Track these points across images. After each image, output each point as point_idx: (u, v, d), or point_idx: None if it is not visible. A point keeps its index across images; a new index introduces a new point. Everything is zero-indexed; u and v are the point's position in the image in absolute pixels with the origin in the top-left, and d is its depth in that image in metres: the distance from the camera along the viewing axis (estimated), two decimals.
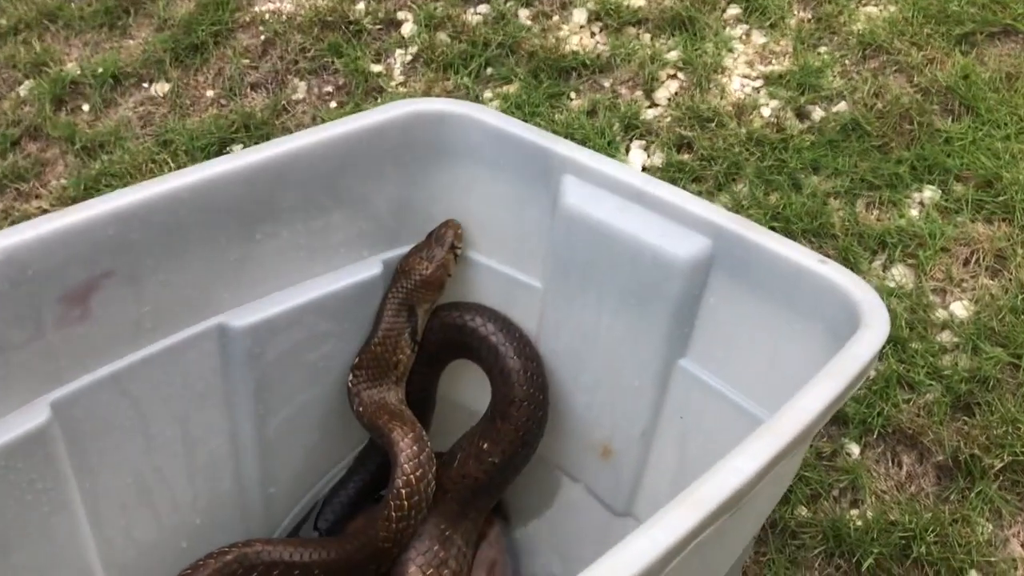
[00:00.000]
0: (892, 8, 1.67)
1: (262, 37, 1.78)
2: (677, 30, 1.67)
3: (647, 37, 1.68)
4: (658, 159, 1.49)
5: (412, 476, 0.90)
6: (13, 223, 1.48)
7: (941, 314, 1.33)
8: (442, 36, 1.70)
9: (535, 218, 0.94)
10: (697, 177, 1.46)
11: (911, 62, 1.55)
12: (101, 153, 1.65)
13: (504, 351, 0.97)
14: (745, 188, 1.44)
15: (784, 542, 1.18)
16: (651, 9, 1.70)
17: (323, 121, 1.64)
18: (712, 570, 0.78)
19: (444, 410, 1.06)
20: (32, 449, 0.73)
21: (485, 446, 0.96)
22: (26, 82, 1.78)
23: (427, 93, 1.63)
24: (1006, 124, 1.48)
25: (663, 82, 1.60)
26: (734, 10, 1.70)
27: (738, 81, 1.59)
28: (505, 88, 1.62)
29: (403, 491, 0.90)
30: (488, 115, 0.92)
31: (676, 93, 1.59)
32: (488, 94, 1.62)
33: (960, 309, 1.33)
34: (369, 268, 0.96)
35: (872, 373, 1.24)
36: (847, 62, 1.59)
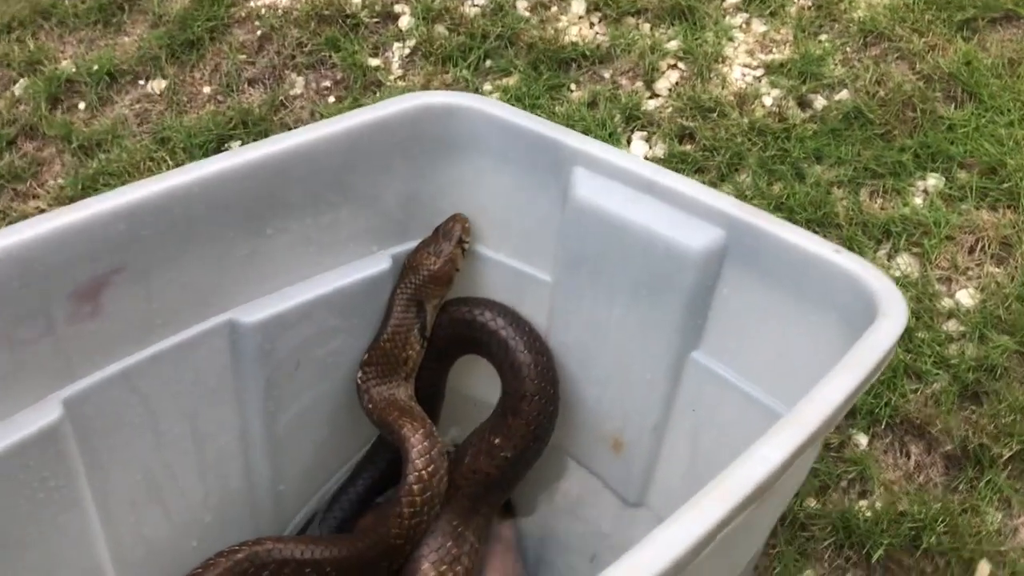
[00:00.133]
0: None
1: (258, 32, 1.76)
2: (677, 19, 1.66)
3: (647, 27, 1.67)
4: (660, 150, 1.48)
5: (424, 472, 0.89)
6: (11, 224, 1.47)
7: (947, 303, 1.32)
8: (440, 29, 1.69)
9: (544, 211, 0.94)
10: (700, 168, 1.45)
11: (913, 49, 1.55)
12: (98, 152, 1.63)
13: (514, 345, 0.96)
14: (748, 178, 1.44)
15: (793, 534, 1.18)
16: None
17: (322, 116, 1.64)
18: (734, 562, 0.77)
19: (452, 401, 1.06)
20: (44, 446, 0.72)
21: (497, 441, 0.95)
22: (21, 80, 1.76)
23: (426, 86, 1.62)
24: (1009, 110, 1.47)
25: (663, 72, 1.59)
26: None
27: (739, 70, 1.58)
28: (505, 80, 1.61)
29: (415, 487, 0.89)
30: (497, 107, 0.91)
31: (677, 83, 1.58)
32: (488, 87, 1.61)
33: (966, 298, 1.32)
34: (378, 263, 0.95)
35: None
36: (848, 50, 1.59)
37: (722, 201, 0.84)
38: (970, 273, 1.35)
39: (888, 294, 0.76)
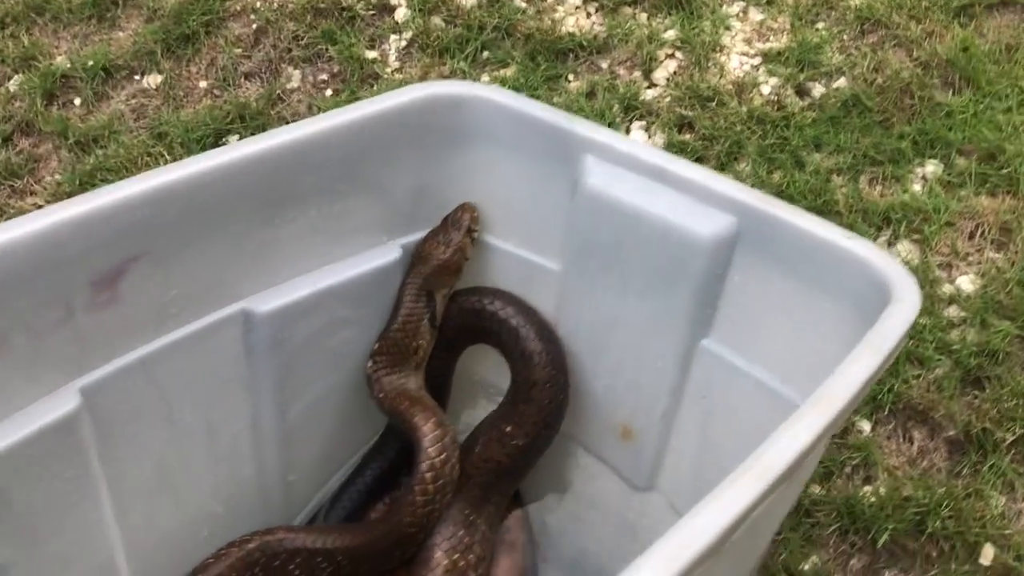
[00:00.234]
0: None
1: (254, 26, 1.75)
2: (673, 9, 1.66)
3: (643, 16, 1.67)
4: (659, 140, 1.49)
5: (437, 460, 0.90)
6: (7, 220, 1.46)
7: (948, 289, 1.33)
8: (436, 20, 1.69)
9: (554, 200, 0.94)
10: (699, 157, 1.46)
11: (910, 36, 1.55)
12: (95, 147, 1.62)
13: (524, 334, 0.96)
14: (748, 167, 1.44)
15: (798, 520, 1.18)
16: None
17: (320, 110, 1.64)
18: (757, 544, 0.78)
19: (460, 386, 1.06)
20: (62, 436, 0.72)
21: (508, 429, 0.95)
22: (15, 77, 1.75)
23: (423, 79, 1.62)
24: (1007, 96, 1.48)
25: (661, 62, 1.59)
26: None
27: (736, 59, 1.59)
28: (502, 72, 1.61)
29: (428, 475, 0.89)
30: (506, 96, 0.91)
31: (675, 73, 1.58)
32: (485, 78, 1.61)
33: (967, 283, 1.33)
34: (388, 253, 0.95)
35: None
36: (845, 37, 1.59)
37: (733, 188, 0.84)
38: (970, 259, 1.36)
39: (901, 279, 0.77)
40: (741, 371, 0.89)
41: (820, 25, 1.62)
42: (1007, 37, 1.54)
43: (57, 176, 1.61)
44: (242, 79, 1.70)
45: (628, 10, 1.68)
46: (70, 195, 1.56)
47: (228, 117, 1.62)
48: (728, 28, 1.62)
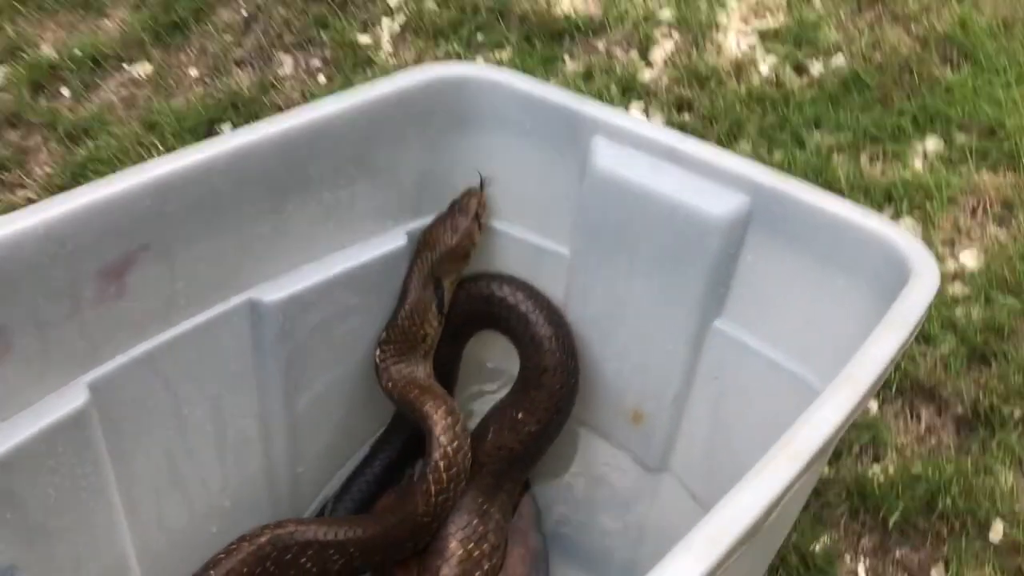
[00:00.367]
0: None
1: (244, 12, 1.73)
2: None
3: None
4: (658, 120, 1.48)
5: (449, 448, 0.88)
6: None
7: (951, 265, 1.33)
8: (429, 4, 1.67)
9: (562, 182, 0.92)
10: (700, 137, 1.44)
11: (908, 12, 1.55)
12: (86, 139, 1.60)
13: (534, 319, 0.95)
14: (748, 147, 1.43)
15: (808, 501, 1.18)
16: None
17: (313, 96, 1.62)
18: (783, 528, 0.77)
19: (466, 371, 1.05)
20: (71, 432, 0.71)
21: (520, 416, 0.94)
22: (1, 68, 1.72)
23: (418, 62, 1.60)
24: (1005, 71, 1.48)
25: (658, 42, 1.58)
26: None
27: (734, 38, 1.58)
28: (498, 54, 1.59)
29: (441, 463, 0.88)
30: (514, 78, 0.90)
31: (672, 53, 1.57)
32: (481, 61, 1.59)
33: (970, 259, 1.33)
34: (394, 240, 0.94)
35: None
36: (842, 14, 1.58)
37: (746, 167, 0.83)
38: (972, 235, 1.35)
39: (918, 254, 0.76)
40: (754, 351, 0.88)
41: (817, 2, 1.61)
42: (1004, 12, 1.54)
43: (48, 168, 1.58)
44: (233, 67, 1.68)
45: None
46: (62, 188, 1.54)
47: (220, 105, 1.59)
48: (724, 7, 1.60)
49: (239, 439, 0.91)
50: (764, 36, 1.56)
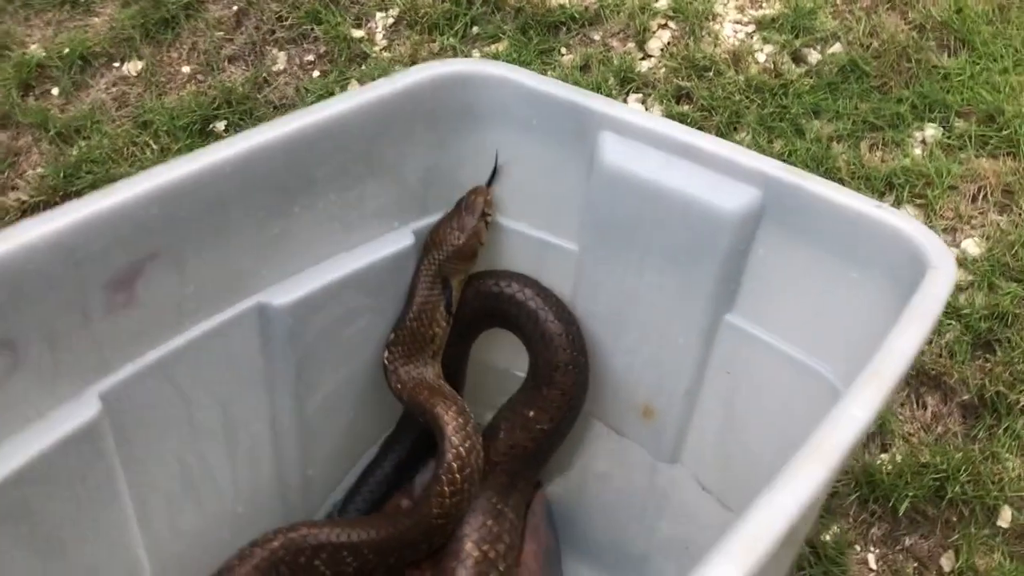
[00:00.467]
0: None
1: (234, 7, 1.71)
2: None
3: None
4: (657, 112, 1.47)
5: (461, 448, 0.88)
6: None
7: (954, 252, 1.33)
8: None
9: (569, 178, 0.92)
10: (699, 128, 1.43)
11: None
12: (78, 138, 1.58)
13: (544, 316, 0.95)
14: (748, 137, 1.43)
15: None
16: None
17: (307, 92, 1.60)
18: (810, 520, 0.77)
19: (470, 370, 1.04)
20: (84, 443, 0.70)
21: (532, 414, 0.94)
22: None
23: (413, 56, 1.59)
24: (1002, 56, 1.48)
25: (655, 32, 1.57)
26: None
27: (730, 27, 1.57)
28: (493, 47, 1.58)
29: (454, 464, 0.87)
30: (521, 74, 0.89)
31: (669, 43, 1.56)
32: (476, 54, 1.58)
33: (972, 246, 1.33)
34: (401, 239, 0.93)
35: None
36: (839, 2, 1.58)
37: (758, 161, 0.83)
38: (974, 222, 1.35)
39: (934, 247, 0.75)
40: (767, 345, 0.88)
41: None
42: None
43: (40, 169, 1.56)
44: (226, 63, 1.66)
45: None
46: (55, 189, 1.52)
47: (214, 103, 1.58)
48: None
49: (250, 443, 0.90)
50: (760, 24, 1.56)
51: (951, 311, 1.27)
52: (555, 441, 0.97)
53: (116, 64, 1.69)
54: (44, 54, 1.69)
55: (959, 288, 1.29)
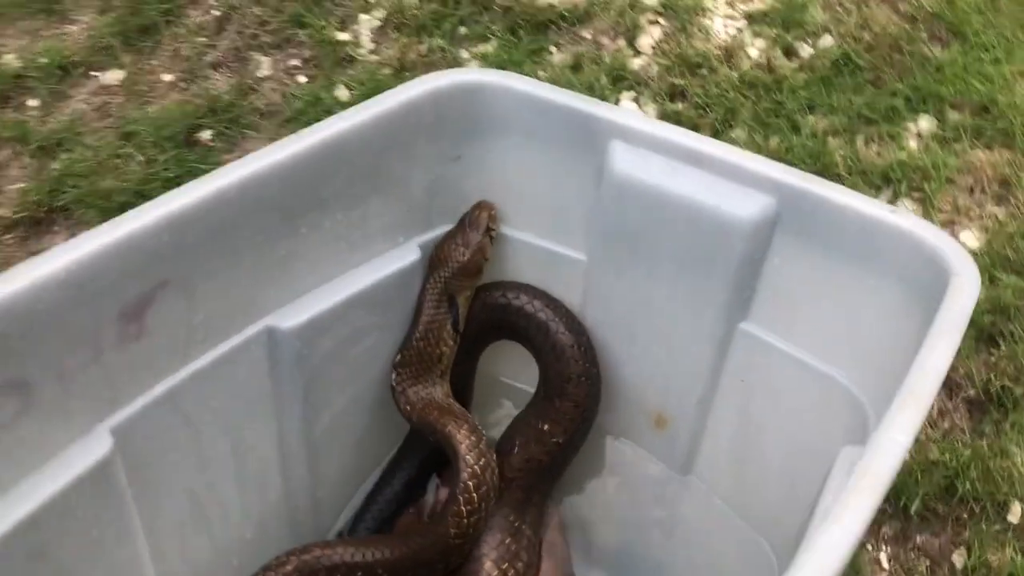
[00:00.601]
0: None
1: (216, 12, 1.68)
2: None
3: None
4: (651, 111, 1.45)
5: (476, 467, 0.86)
6: None
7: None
8: None
9: (577, 187, 0.90)
10: (694, 126, 1.43)
11: None
12: (59, 151, 1.54)
13: (554, 327, 0.93)
14: (744, 134, 1.42)
15: None
16: None
17: (295, 97, 1.57)
18: None
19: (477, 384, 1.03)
20: (97, 481, 0.68)
21: (546, 427, 0.92)
22: None
23: (401, 59, 1.56)
24: (994, 47, 1.47)
25: (645, 29, 1.55)
26: None
27: (721, 22, 1.56)
28: (482, 47, 1.56)
29: (470, 483, 0.86)
30: (525, 83, 0.87)
31: (660, 39, 1.54)
32: (465, 54, 1.56)
33: (971, 239, 1.33)
34: (406, 254, 0.91)
35: None
36: None
37: (771, 168, 0.82)
38: (972, 214, 1.35)
39: (953, 251, 0.74)
40: (782, 352, 0.87)
41: None
42: None
43: (21, 184, 1.53)
44: (209, 70, 1.63)
45: None
46: (38, 204, 1.48)
47: (199, 111, 1.55)
48: None
49: (259, 467, 0.88)
50: (751, 19, 1.55)
51: None
52: (569, 454, 0.95)
53: (96, 73, 1.65)
54: (20, 64, 1.66)
55: None
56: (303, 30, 1.62)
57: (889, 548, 1.14)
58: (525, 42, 1.54)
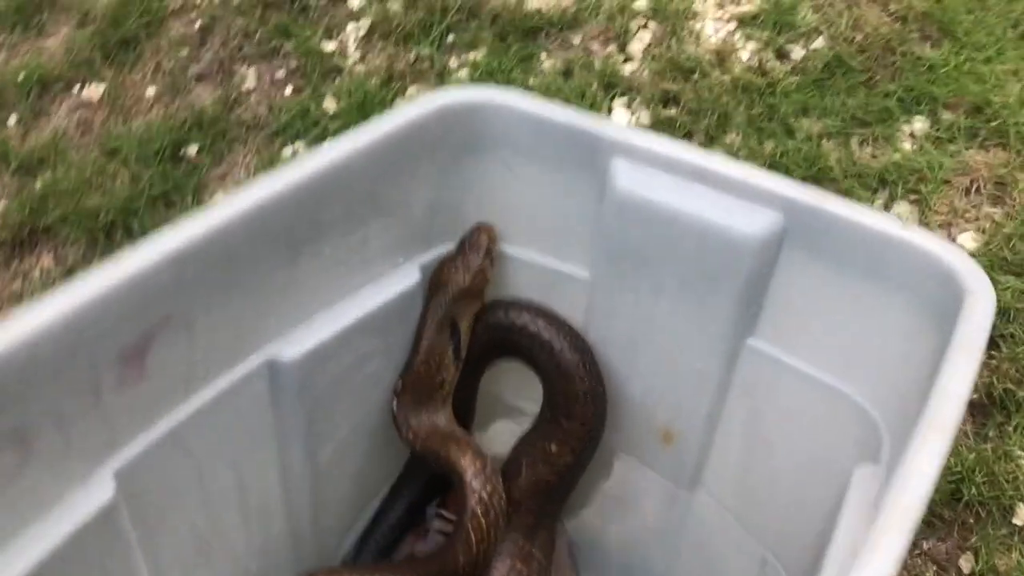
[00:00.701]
0: None
1: (198, 24, 1.65)
2: None
3: None
4: (645, 117, 1.44)
5: (483, 493, 0.85)
6: None
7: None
8: (394, 5, 1.61)
9: (579, 205, 0.89)
10: (688, 132, 1.41)
11: None
12: (41, 170, 1.51)
13: (559, 346, 0.92)
14: (738, 139, 1.40)
15: None
16: None
17: (281, 110, 1.55)
18: None
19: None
20: (101, 527, 0.66)
21: (553, 448, 0.91)
22: None
23: (389, 68, 1.54)
24: (985, 46, 1.47)
25: (635, 33, 1.54)
26: None
27: (711, 25, 1.54)
28: (471, 55, 1.54)
29: (478, 509, 0.84)
30: (525, 101, 0.85)
31: (650, 44, 1.53)
32: (454, 63, 1.54)
33: (968, 241, 1.32)
34: (407, 276, 0.89)
35: None
36: None
37: (778, 184, 0.80)
38: (968, 215, 1.34)
39: (967, 267, 0.73)
40: (791, 368, 0.86)
41: None
42: None
43: (2, 204, 1.50)
44: (193, 83, 1.60)
45: None
46: (21, 224, 1.46)
47: (184, 126, 1.52)
48: None
49: (262, 499, 0.87)
50: (742, 22, 1.53)
51: None
52: (577, 474, 0.94)
53: (76, 88, 1.62)
54: None
55: None
56: (288, 40, 1.59)
57: None
58: (514, 49, 1.52)
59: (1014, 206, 1.33)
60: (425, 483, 0.99)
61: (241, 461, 0.82)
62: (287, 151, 1.46)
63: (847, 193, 1.34)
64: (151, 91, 1.59)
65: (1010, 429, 1.18)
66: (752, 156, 1.37)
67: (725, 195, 0.82)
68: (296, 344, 0.81)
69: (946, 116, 1.42)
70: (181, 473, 0.75)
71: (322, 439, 0.88)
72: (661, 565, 1.04)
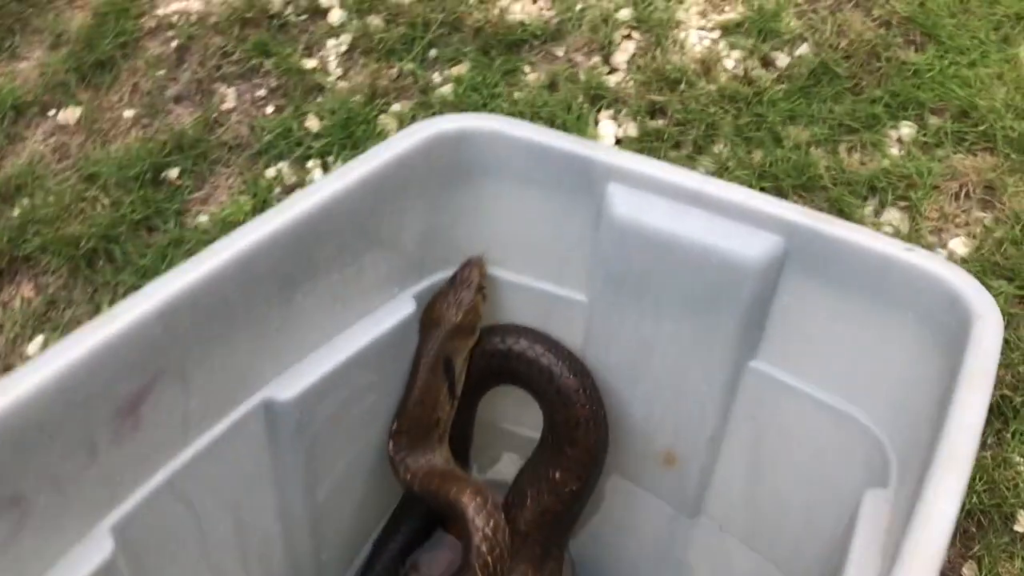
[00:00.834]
0: None
1: (174, 43, 1.63)
2: None
3: None
4: (632, 129, 1.43)
5: (487, 530, 0.83)
6: None
7: (941, 254, 1.31)
8: (375, 21, 1.59)
9: (575, 231, 0.87)
10: (676, 143, 1.40)
11: None
12: (19, 197, 1.48)
13: (558, 372, 0.90)
14: (727, 149, 1.40)
15: None
16: None
17: (263, 130, 1.53)
18: None
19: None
20: None
21: (558, 476, 0.90)
22: None
23: (372, 85, 1.52)
24: (968, 49, 1.47)
25: (619, 44, 1.53)
26: None
27: (695, 35, 1.53)
28: (455, 70, 1.53)
29: (483, 547, 0.83)
30: (516, 127, 0.84)
31: (635, 55, 1.52)
32: (437, 78, 1.52)
33: (959, 246, 1.32)
34: (402, 307, 0.88)
35: None
36: (802, 1, 1.55)
37: (778, 207, 0.79)
38: (958, 221, 1.34)
39: (972, 289, 0.73)
40: (794, 390, 0.85)
41: None
42: None
43: None
44: (171, 104, 1.57)
45: None
46: (1, 254, 1.43)
47: (164, 148, 1.50)
48: (682, 2, 1.56)
49: (261, 541, 0.85)
50: (726, 30, 1.53)
51: None
52: (583, 501, 0.93)
53: (51, 112, 1.59)
54: None
55: None
56: (268, 59, 1.57)
57: None
58: (498, 63, 1.51)
59: (1004, 210, 1.33)
60: (423, 516, 0.98)
61: (239, 503, 0.80)
62: (270, 171, 1.44)
63: (837, 202, 1.34)
64: (129, 113, 1.57)
65: (1008, 436, 1.18)
66: (741, 166, 1.37)
67: (724, 219, 0.81)
68: (293, 383, 0.79)
69: (933, 121, 1.42)
70: (179, 521, 0.73)
71: (320, 476, 0.86)
72: None
